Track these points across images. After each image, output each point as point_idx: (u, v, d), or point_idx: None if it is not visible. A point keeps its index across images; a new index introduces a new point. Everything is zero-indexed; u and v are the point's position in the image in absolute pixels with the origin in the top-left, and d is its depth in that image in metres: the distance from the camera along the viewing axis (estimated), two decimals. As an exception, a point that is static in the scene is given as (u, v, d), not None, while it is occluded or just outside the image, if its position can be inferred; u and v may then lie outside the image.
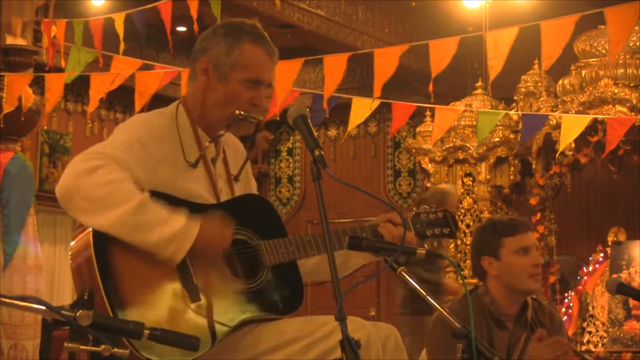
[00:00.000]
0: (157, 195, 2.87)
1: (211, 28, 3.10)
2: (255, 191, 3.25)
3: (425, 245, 3.11)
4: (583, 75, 8.51)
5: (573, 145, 8.16)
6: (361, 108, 6.81)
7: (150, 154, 2.91)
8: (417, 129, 9.81)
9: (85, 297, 2.69)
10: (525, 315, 3.96)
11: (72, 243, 2.92)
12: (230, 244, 2.91)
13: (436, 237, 3.23)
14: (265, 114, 3.29)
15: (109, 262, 2.79)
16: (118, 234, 2.78)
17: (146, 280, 2.82)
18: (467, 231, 8.99)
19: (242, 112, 3.02)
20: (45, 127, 10.20)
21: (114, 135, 2.96)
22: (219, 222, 2.88)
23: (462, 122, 9.04)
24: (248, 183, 3.24)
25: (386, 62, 6.15)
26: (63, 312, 2.29)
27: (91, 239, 2.80)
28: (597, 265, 8.57)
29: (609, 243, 8.59)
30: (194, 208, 2.91)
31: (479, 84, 9.21)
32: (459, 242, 9.13)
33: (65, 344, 2.32)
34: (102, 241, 2.80)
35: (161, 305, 2.80)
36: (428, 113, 9.04)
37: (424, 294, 2.86)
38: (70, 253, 2.92)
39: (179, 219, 2.82)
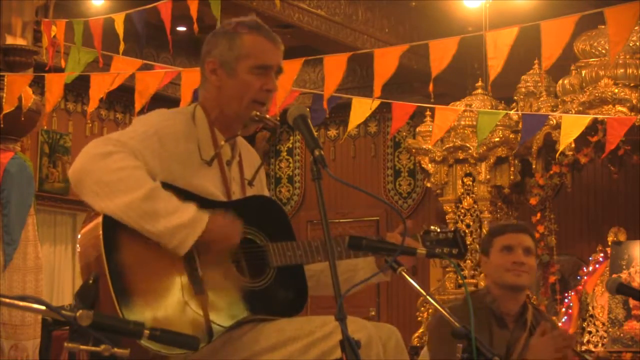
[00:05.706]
0: (168, 187, 2.89)
1: (212, 32, 3.16)
2: None
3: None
4: (583, 75, 8.50)
5: (573, 145, 8.15)
6: (361, 108, 6.82)
7: (167, 149, 2.94)
8: (417, 129, 9.78)
9: (91, 282, 2.71)
10: (525, 316, 4.00)
11: (79, 237, 2.94)
12: (239, 241, 2.91)
13: (445, 256, 3.25)
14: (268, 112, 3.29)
15: (117, 248, 2.81)
16: (126, 219, 2.80)
17: (152, 269, 2.83)
18: (467, 231, 8.98)
19: (258, 114, 3.06)
20: (45, 127, 10.19)
21: (132, 125, 3.00)
22: (228, 220, 2.89)
23: (462, 122, 9.02)
24: (262, 189, 3.25)
25: (386, 62, 6.16)
26: (63, 312, 2.29)
27: (100, 228, 2.82)
28: (597, 265, 8.56)
29: (609, 243, 8.59)
30: (204, 204, 2.92)
31: (479, 84, 9.20)
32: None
33: (65, 344, 2.32)
34: (111, 228, 2.81)
35: (164, 295, 2.82)
36: (428, 113, 9.03)
37: (424, 293, 2.87)
38: (78, 244, 2.94)
39: (188, 209, 2.84)
